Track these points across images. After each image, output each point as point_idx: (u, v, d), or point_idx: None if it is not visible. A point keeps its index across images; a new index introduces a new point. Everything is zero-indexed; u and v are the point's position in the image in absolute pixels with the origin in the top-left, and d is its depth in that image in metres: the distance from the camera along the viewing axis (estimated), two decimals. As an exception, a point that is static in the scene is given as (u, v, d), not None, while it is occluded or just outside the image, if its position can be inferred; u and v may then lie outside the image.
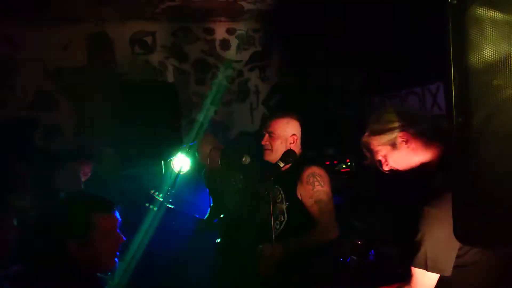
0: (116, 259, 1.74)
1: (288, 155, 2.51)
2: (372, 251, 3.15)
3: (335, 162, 4.29)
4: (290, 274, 2.45)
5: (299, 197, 2.54)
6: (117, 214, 1.76)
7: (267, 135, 2.65)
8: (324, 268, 2.51)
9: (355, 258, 3.12)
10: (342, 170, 4.28)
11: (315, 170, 2.54)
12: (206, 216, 3.53)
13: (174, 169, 3.62)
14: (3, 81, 4.41)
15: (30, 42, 4.45)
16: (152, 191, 3.26)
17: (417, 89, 3.54)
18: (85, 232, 1.65)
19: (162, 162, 4.12)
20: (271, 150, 2.62)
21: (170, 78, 4.98)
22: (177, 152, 3.65)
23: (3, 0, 3.79)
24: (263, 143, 2.65)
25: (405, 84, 3.66)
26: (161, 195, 3.26)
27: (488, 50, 1.07)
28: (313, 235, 2.45)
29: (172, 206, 3.29)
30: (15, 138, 4.33)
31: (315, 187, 2.49)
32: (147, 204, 3.19)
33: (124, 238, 1.77)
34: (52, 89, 4.57)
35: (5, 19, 4.26)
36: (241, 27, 5.16)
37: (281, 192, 2.61)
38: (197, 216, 3.44)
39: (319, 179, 2.51)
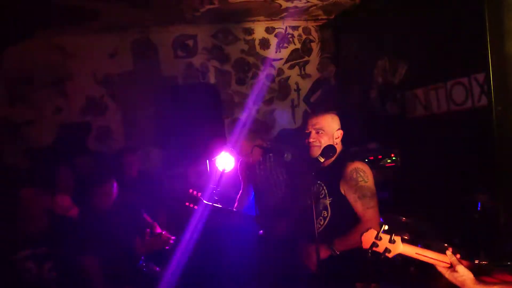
0: None
1: (328, 150, 2.51)
2: (419, 245, 3.09)
3: (380, 157, 4.22)
4: (335, 270, 2.45)
5: (343, 192, 2.53)
6: None
7: (314, 132, 2.65)
8: (367, 262, 2.49)
9: (406, 238, 3.07)
10: (387, 165, 4.21)
11: (359, 165, 2.52)
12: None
13: (218, 167, 3.70)
14: (58, 89, 4.70)
15: (81, 51, 4.73)
16: (191, 191, 3.24)
17: (464, 79, 3.42)
18: None
19: (207, 161, 4.24)
20: (319, 146, 2.63)
21: (212, 79, 5.11)
22: (221, 151, 3.73)
23: (55, 14, 4.03)
24: (310, 140, 2.65)
25: (451, 74, 3.54)
26: (199, 194, 3.23)
27: (525, 38, 1.06)
28: (356, 232, 2.44)
29: (219, 206, 3.29)
30: (71, 142, 4.60)
31: (359, 182, 2.48)
32: (187, 204, 3.17)
33: None
34: (102, 94, 4.82)
35: (58, 31, 4.54)
36: (280, 26, 5.20)
37: (324, 187, 2.62)
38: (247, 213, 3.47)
39: (362, 174, 2.49)
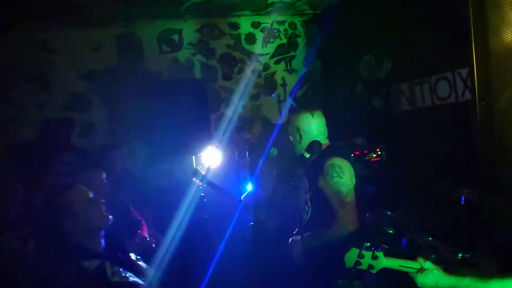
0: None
1: (313, 145, 2.53)
2: (404, 239, 3.12)
3: (365, 151, 4.25)
4: (319, 264, 2.47)
5: (321, 188, 2.56)
6: None
7: (294, 130, 2.70)
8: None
9: (386, 247, 3.10)
10: (373, 159, 4.24)
11: (336, 161, 2.54)
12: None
13: (204, 163, 3.69)
14: (40, 84, 4.62)
15: (63, 46, 4.64)
16: (197, 167, 3.33)
17: (448, 74, 3.46)
18: None
19: (193, 156, 4.22)
20: (299, 142, 2.68)
21: (197, 74, 5.07)
22: (207, 146, 3.72)
23: (37, 7, 3.95)
24: (291, 139, 2.72)
25: (435, 69, 3.58)
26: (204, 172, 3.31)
27: (508, 34, 1.06)
28: (331, 228, 2.46)
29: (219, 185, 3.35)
30: (53, 138, 4.53)
31: (334, 178, 2.50)
32: (194, 179, 3.24)
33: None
34: (86, 90, 4.75)
35: (40, 25, 4.44)
36: (266, 20, 5.18)
37: (306, 182, 2.65)
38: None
39: (338, 170, 2.51)
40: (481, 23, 1.03)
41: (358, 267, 1.90)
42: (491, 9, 1.01)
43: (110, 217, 2.27)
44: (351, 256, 1.91)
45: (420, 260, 1.86)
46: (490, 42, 1.03)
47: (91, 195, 2.26)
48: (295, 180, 2.77)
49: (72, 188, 2.23)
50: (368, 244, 1.91)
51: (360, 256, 1.89)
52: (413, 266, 1.87)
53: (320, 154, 2.62)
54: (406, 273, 1.88)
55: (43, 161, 3.76)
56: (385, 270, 1.92)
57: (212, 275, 3.58)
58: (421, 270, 1.84)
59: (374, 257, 1.88)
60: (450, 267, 1.88)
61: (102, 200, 2.30)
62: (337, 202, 2.48)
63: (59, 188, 2.29)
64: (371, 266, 1.89)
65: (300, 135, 2.66)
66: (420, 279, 1.84)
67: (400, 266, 1.89)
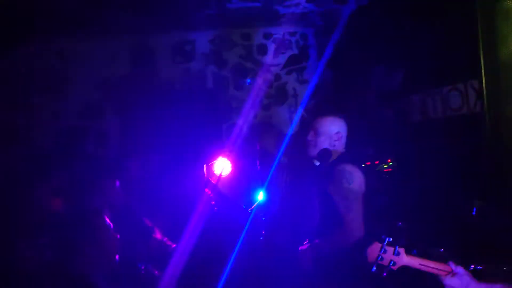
0: None
1: (323, 154, 2.55)
2: (415, 251, 3.10)
3: (376, 162, 4.24)
4: (330, 272, 2.47)
5: (330, 193, 2.56)
6: None
7: (312, 131, 2.74)
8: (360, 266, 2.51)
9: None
10: (384, 170, 4.22)
11: (346, 167, 2.54)
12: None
13: (215, 172, 3.72)
14: (56, 94, 4.72)
15: (79, 56, 4.76)
16: (210, 179, 3.39)
17: (460, 86, 3.45)
18: None
19: (204, 166, 4.25)
20: (314, 146, 2.71)
21: (209, 84, 5.13)
22: (218, 155, 3.75)
23: (54, 18, 4.05)
24: (308, 138, 2.75)
25: (447, 80, 3.57)
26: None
27: (517, 43, 1.07)
28: (338, 234, 2.46)
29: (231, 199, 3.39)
30: (69, 146, 4.61)
31: (342, 184, 2.49)
32: (206, 190, 3.31)
33: None
34: (100, 99, 4.83)
35: (57, 35, 4.56)
36: (278, 31, 5.23)
37: (316, 188, 2.66)
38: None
39: (347, 176, 2.51)
40: (491, 33, 1.04)
41: (380, 261, 1.90)
42: (500, 19, 1.02)
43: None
44: (373, 250, 1.91)
45: (451, 263, 1.87)
46: (499, 52, 1.04)
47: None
48: (305, 187, 2.78)
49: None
50: (391, 239, 1.91)
51: (383, 251, 1.89)
52: (443, 269, 1.87)
53: (333, 161, 2.63)
54: (432, 274, 1.88)
55: (58, 169, 3.82)
56: (405, 274, 1.92)
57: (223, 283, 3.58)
58: (452, 273, 1.84)
59: (396, 253, 1.88)
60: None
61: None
62: (344, 208, 2.48)
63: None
64: (392, 262, 1.89)
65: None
66: (448, 281, 1.85)
67: (420, 264, 1.89)
